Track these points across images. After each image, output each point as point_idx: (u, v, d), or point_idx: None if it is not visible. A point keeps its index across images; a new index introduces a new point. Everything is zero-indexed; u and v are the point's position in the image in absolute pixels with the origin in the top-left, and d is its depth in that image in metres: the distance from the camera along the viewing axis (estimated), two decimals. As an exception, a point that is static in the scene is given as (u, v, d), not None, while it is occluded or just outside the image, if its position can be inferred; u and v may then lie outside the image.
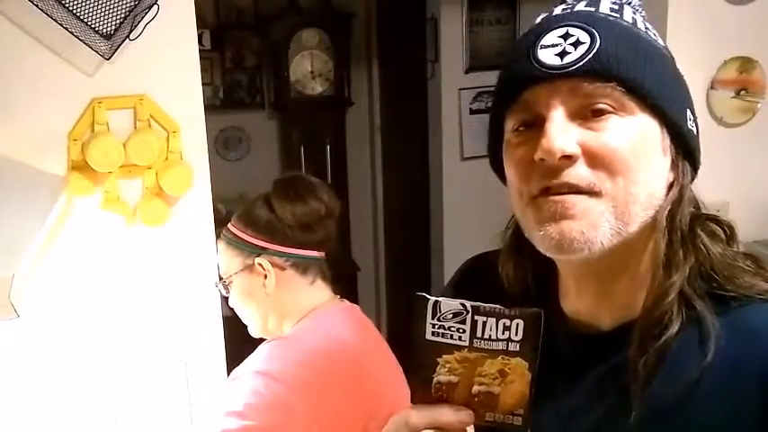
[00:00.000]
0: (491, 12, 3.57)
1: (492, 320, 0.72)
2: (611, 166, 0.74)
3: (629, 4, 0.81)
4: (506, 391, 0.73)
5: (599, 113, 0.75)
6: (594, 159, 0.74)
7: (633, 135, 0.75)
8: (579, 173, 0.74)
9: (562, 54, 0.75)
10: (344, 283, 3.65)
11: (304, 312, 1.50)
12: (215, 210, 1.82)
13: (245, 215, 1.52)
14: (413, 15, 3.73)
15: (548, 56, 0.76)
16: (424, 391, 0.74)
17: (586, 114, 0.75)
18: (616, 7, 0.80)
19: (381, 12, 4.20)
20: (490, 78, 3.83)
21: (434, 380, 0.73)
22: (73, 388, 1.73)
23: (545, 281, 0.87)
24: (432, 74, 3.66)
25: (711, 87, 2.18)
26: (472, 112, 3.60)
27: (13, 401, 1.69)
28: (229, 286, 1.53)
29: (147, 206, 1.70)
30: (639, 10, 0.82)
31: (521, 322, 0.72)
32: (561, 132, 0.74)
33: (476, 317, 0.72)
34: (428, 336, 0.73)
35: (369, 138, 4.42)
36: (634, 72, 0.75)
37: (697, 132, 0.82)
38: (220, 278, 1.55)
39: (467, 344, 0.72)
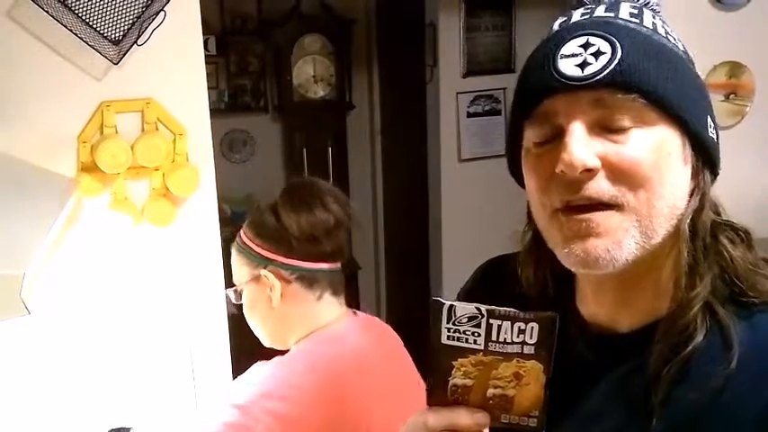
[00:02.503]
0: (488, 18, 3.59)
1: (507, 324, 0.71)
2: (633, 179, 0.73)
3: (647, 5, 0.79)
4: (521, 393, 0.73)
5: (619, 124, 0.74)
6: (615, 172, 0.73)
7: (654, 147, 0.74)
8: (600, 186, 0.73)
9: (583, 65, 0.73)
10: (345, 283, 3.67)
11: (309, 329, 1.41)
12: (220, 210, 1.85)
13: (254, 222, 1.44)
14: (412, 21, 3.75)
15: (568, 66, 0.74)
16: (440, 394, 0.74)
17: (607, 125, 0.74)
18: (636, 11, 0.78)
19: (381, 18, 4.21)
20: (487, 82, 3.86)
21: (450, 383, 0.73)
22: (82, 382, 1.76)
23: (564, 282, 0.86)
24: (430, 78, 3.68)
25: (701, 91, 2.22)
26: (470, 115, 3.62)
27: (25, 393, 1.72)
28: (241, 294, 1.46)
29: (154, 206, 1.73)
30: (658, 11, 0.80)
31: (535, 326, 0.71)
32: (582, 146, 0.73)
33: (491, 320, 0.71)
34: (443, 340, 0.72)
35: (369, 140, 4.44)
36: (656, 83, 0.73)
37: (717, 139, 0.80)
38: (233, 285, 1.48)
39: (482, 347, 0.72)
